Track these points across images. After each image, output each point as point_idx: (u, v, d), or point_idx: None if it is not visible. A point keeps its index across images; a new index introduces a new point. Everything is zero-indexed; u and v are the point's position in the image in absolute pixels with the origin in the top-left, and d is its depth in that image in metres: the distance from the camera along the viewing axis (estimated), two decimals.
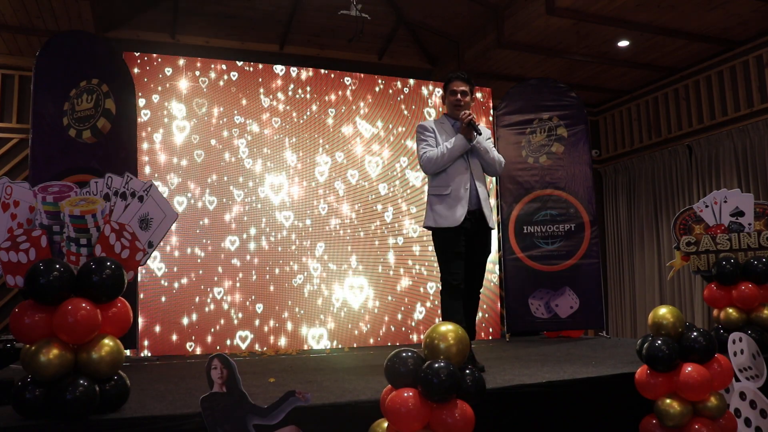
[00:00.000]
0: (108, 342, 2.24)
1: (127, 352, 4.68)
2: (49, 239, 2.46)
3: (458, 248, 3.27)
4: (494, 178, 6.20)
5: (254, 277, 5.38)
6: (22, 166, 5.49)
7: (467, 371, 2.05)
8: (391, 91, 6.10)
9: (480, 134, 3.33)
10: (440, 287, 3.35)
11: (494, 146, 3.57)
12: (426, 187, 3.69)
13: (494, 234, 6.16)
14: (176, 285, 5.15)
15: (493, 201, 6.27)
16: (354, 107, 5.94)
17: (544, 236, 5.55)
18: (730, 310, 3.52)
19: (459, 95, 3.40)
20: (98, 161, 4.38)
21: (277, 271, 5.47)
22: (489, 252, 3.44)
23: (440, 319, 3.76)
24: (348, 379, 3.08)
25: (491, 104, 6.51)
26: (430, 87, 6.31)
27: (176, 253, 5.19)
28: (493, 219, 3.40)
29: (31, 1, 4.94)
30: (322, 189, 5.73)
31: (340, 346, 5.53)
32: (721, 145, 6.24)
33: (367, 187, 5.88)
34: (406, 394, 1.95)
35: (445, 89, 3.49)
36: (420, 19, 6.36)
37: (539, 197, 5.60)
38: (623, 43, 5.97)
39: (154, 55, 5.41)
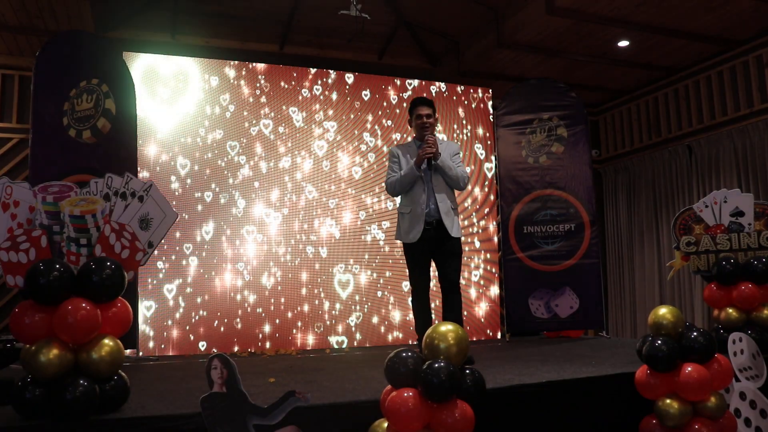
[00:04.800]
0: (108, 342, 2.24)
1: (127, 352, 4.68)
2: (49, 239, 2.46)
3: (420, 259, 3.72)
4: (494, 179, 6.22)
5: (254, 279, 5.39)
6: (22, 166, 5.49)
7: (467, 371, 2.05)
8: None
9: (431, 169, 3.65)
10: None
11: (467, 157, 3.81)
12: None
13: (493, 234, 6.22)
14: (176, 286, 5.15)
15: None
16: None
17: (544, 236, 5.54)
18: (730, 310, 3.52)
19: (424, 118, 3.73)
20: (98, 161, 4.38)
21: (279, 271, 5.47)
22: (456, 255, 3.73)
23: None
24: (348, 379, 3.08)
25: (491, 104, 6.51)
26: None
27: (178, 253, 5.19)
28: (456, 229, 3.70)
29: (31, 1, 4.94)
30: (323, 191, 5.73)
31: (344, 346, 5.54)
32: (721, 145, 6.24)
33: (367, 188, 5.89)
34: (406, 394, 1.95)
35: (411, 114, 3.82)
36: (420, 19, 6.35)
37: (539, 197, 5.60)
38: (623, 43, 5.97)
39: (154, 55, 5.41)
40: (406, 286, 5.81)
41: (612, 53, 6.20)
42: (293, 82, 5.78)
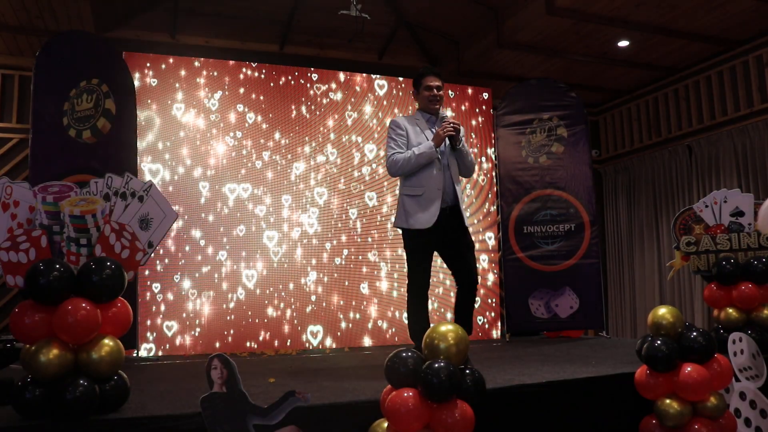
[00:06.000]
0: (108, 342, 2.24)
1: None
2: (49, 239, 2.46)
3: (429, 248, 3.26)
4: (495, 178, 6.22)
5: (254, 284, 5.39)
6: (22, 166, 5.49)
7: (467, 371, 2.05)
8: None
9: (458, 146, 3.26)
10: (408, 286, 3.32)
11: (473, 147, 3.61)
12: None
13: (494, 234, 6.22)
14: (178, 283, 5.16)
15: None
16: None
17: (544, 236, 5.55)
18: (730, 310, 3.52)
19: (434, 90, 3.33)
20: (98, 161, 4.38)
21: (278, 270, 5.47)
22: (472, 249, 3.32)
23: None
24: (348, 379, 3.08)
25: (492, 104, 6.51)
26: None
27: (177, 252, 5.19)
28: (466, 218, 3.32)
29: (31, 1, 4.95)
30: (323, 191, 5.73)
31: (344, 348, 5.54)
32: (721, 145, 6.24)
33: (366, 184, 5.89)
34: (406, 394, 1.95)
35: (418, 84, 3.39)
36: (420, 19, 6.35)
37: (539, 197, 5.60)
38: (623, 43, 5.97)
39: (154, 55, 5.41)
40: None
41: (612, 53, 6.20)
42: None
